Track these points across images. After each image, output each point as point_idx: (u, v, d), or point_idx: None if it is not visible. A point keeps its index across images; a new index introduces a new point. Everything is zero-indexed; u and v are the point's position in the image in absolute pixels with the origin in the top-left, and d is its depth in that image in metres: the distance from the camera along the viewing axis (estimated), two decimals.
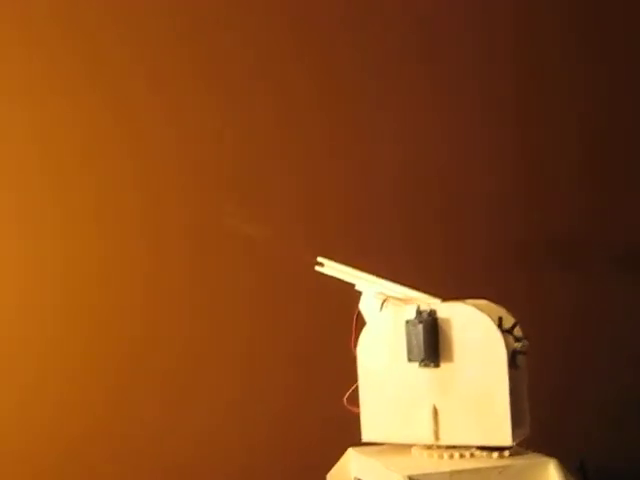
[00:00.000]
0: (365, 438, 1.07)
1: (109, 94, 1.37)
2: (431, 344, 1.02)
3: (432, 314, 1.03)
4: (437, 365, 1.03)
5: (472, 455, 1.02)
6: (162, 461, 1.35)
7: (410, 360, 1.03)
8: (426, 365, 1.03)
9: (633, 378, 1.35)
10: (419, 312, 1.03)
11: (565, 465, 1.02)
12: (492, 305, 1.08)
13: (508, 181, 1.54)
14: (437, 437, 1.03)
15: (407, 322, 1.03)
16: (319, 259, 1.14)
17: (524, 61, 1.56)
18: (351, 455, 1.12)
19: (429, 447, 1.04)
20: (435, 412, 1.03)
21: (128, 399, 1.34)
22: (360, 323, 1.08)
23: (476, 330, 1.02)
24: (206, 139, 1.40)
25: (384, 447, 1.10)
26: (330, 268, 1.13)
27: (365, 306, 1.09)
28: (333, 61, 1.46)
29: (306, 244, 1.39)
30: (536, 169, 1.56)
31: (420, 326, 1.02)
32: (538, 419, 1.48)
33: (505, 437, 1.01)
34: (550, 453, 1.03)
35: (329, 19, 1.46)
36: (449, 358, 1.02)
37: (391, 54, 1.49)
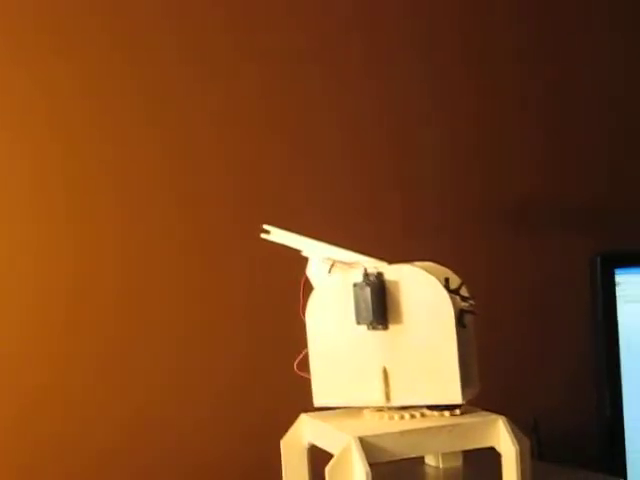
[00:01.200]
0: (317, 403, 1.07)
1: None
2: (379, 306, 1.02)
3: (379, 276, 1.03)
4: (385, 327, 1.03)
5: (423, 415, 1.03)
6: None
7: (358, 323, 1.04)
8: (374, 328, 1.03)
9: (588, 342, 1.37)
10: (366, 275, 1.03)
11: (516, 423, 1.04)
12: (439, 267, 1.08)
13: (463, 145, 1.54)
14: (388, 399, 1.04)
15: (354, 285, 1.03)
16: (265, 226, 1.13)
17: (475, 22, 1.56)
18: (304, 420, 1.12)
19: (380, 409, 1.05)
20: (385, 374, 1.04)
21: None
22: (307, 289, 1.08)
23: (423, 291, 1.02)
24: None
25: (337, 412, 1.10)
26: (276, 235, 1.13)
27: (312, 272, 1.09)
28: None
29: (250, 211, 1.39)
30: (494, 133, 1.57)
31: (367, 289, 1.02)
32: (493, 380, 1.50)
33: (456, 395, 1.02)
34: (504, 413, 1.04)
35: None
36: (397, 320, 1.03)
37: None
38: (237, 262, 1.39)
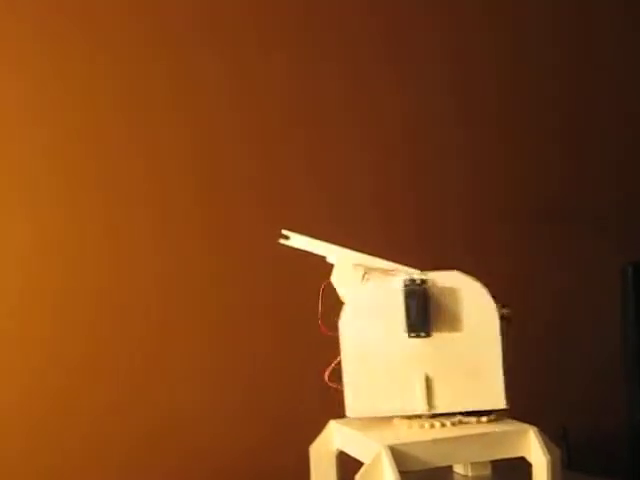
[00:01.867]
0: (350, 414, 1.05)
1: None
2: (426, 314, 1.02)
3: (422, 283, 1.02)
4: (428, 334, 1.02)
5: (454, 424, 1.03)
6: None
7: (409, 332, 1.02)
8: (418, 335, 1.02)
9: (616, 347, 1.36)
10: (412, 282, 1.02)
11: (546, 433, 1.03)
12: (465, 275, 1.07)
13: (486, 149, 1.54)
14: (430, 406, 1.03)
15: (404, 292, 1.02)
16: (284, 232, 1.10)
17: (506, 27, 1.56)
18: (333, 427, 1.12)
19: (410, 418, 1.05)
20: (428, 381, 1.03)
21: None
22: (326, 296, 1.07)
23: (469, 297, 1.02)
24: None
25: (366, 419, 1.10)
26: (297, 241, 1.10)
27: (339, 279, 1.08)
28: None
29: (269, 216, 1.39)
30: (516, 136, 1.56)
31: (416, 296, 1.01)
32: (523, 387, 1.49)
33: (499, 400, 1.02)
34: (533, 421, 1.04)
35: None
36: (439, 327, 1.03)
37: None
38: (261, 264, 1.39)
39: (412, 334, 1.02)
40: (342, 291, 1.07)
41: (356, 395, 1.05)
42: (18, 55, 1.30)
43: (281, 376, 1.39)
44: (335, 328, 1.04)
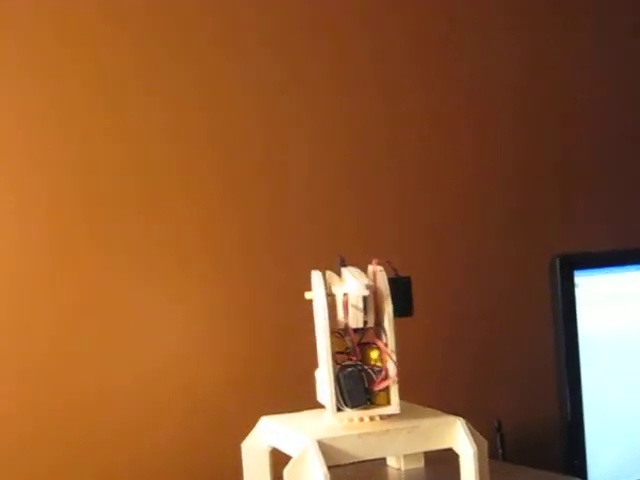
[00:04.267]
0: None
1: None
2: None
3: None
4: None
5: (382, 417, 1.04)
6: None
7: None
8: None
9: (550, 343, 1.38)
10: None
11: (479, 425, 1.05)
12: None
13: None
14: None
15: None
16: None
17: None
18: (264, 424, 1.12)
19: (340, 411, 1.05)
20: None
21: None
22: None
23: None
24: None
25: (297, 415, 1.11)
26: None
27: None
28: None
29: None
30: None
31: None
32: (456, 382, 1.51)
33: None
34: (467, 415, 1.05)
35: None
36: None
37: None
38: None
39: None
40: None
41: None
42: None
43: (217, 369, 1.39)
44: None
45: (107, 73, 1.33)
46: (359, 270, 1.06)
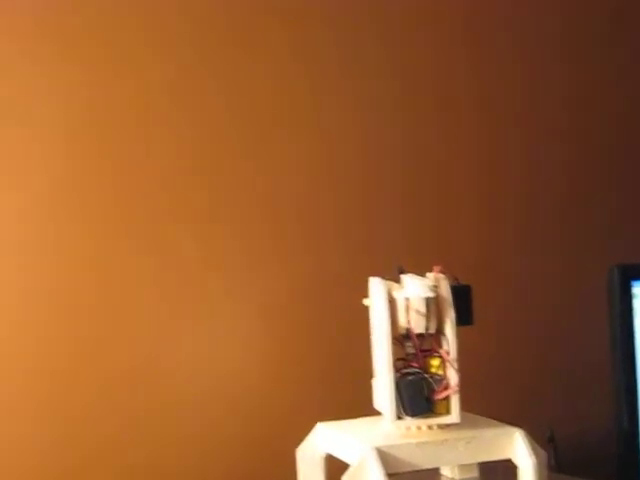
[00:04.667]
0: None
1: None
2: None
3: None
4: None
5: (440, 427, 1.03)
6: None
7: None
8: None
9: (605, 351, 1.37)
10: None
11: (533, 435, 1.04)
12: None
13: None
14: None
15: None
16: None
17: None
18: (320, 430, 1.12)
19: (399, 419, 1.04)
20: None
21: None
22: None
23: None
24: None
25: (352, 422, 1.11)
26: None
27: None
28: None
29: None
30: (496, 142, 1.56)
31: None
32: (511, 391, 1.50)
33: None
34: (521, 424, 1.04)
35: None
36: None
37: None
38: None
39: None
40: None
41: None
42: None
43: (271, 377, 1.39)
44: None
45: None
46: (419, 277, 1.05)
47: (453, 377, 1.00)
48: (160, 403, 1.34)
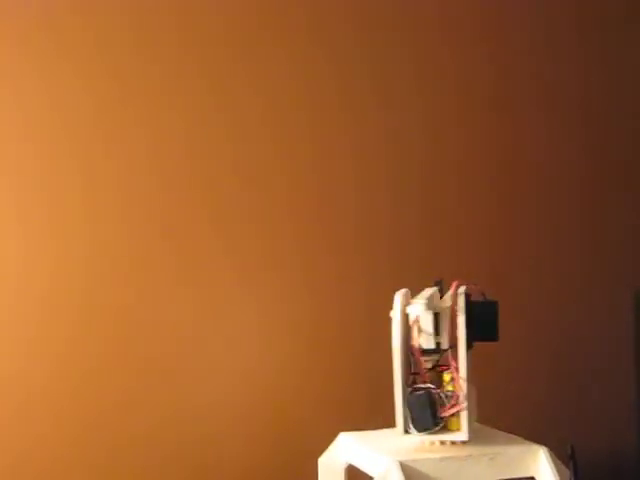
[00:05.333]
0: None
1: None
2: None
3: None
4: None
5: (464, 442, 1.03)
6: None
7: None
8: None
9: (628, 366, 1.36)
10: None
11: (555, 452, 1.03)
12: None
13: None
14: None
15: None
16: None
17: None
18: (342, 440, 1.12)
19: (407, 434, 1.04)
20: None
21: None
22: None
23: None
24: None
25: (375, 433, 1.10)
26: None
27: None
28: None
29: None
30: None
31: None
32: (533, 407, 1.48)
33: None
34: (542, 440, 1.04)
35: None
36: None
37: None
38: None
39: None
40: None
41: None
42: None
43: (291, 387, 1.39)
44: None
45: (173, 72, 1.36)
46: (430, 291, 1.05)
47: (462, 394, 1.00)
48: (184, 403, 1.35)
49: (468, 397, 1.00)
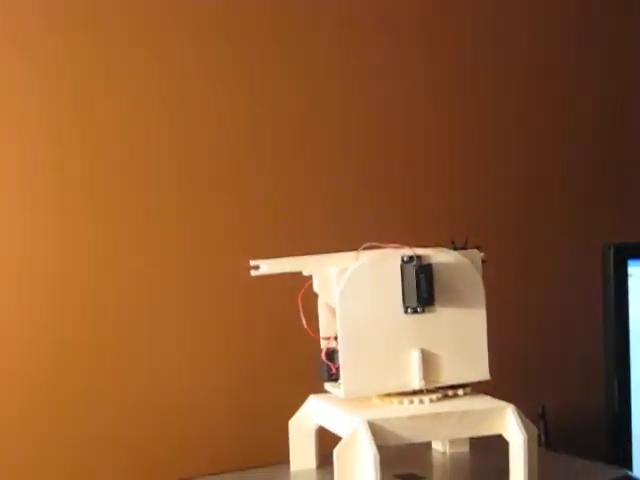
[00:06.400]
0: (348, 395, 1.04)
1: None
2: (430, 289, 1.02)
3: (423, 259, 1.03)
4: (423, 310, 1.03)
5: (432, 401, 1.04)
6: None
7: (407, 306, 1.03)
8: (416, 311, 1.03)
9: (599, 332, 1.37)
10: (411, 258, 1.02)
11: (524, 411, 1.04)
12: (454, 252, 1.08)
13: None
14: (426, 381, 1.04)
15: (405, 269, 1.02)
16: (252, 263, 1.05)
17: None
18: (312, 402, 1.13)
19: (389, 395, 1.05)
20: (423, 356, 1.03)
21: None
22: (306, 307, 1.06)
23: (457, 273, 1.04)
24: None
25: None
26: (268, 266, 1.05)
27: (321, 286, 1.06)
28: None
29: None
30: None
31: (419, 272, 1.01)
32: (503, 367, 1.50)
33: (484, 372, 1.06)
34: (512, 400, 1.05)
35: None
36: (434, 302, 1.03)
37: None
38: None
39: (418, 309, 1.03)
40: (326, 297, 1.07)
41: (354, 376, 1.03)
42: None
43: (262, 351, 1.40)
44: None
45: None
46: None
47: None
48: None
49: None
